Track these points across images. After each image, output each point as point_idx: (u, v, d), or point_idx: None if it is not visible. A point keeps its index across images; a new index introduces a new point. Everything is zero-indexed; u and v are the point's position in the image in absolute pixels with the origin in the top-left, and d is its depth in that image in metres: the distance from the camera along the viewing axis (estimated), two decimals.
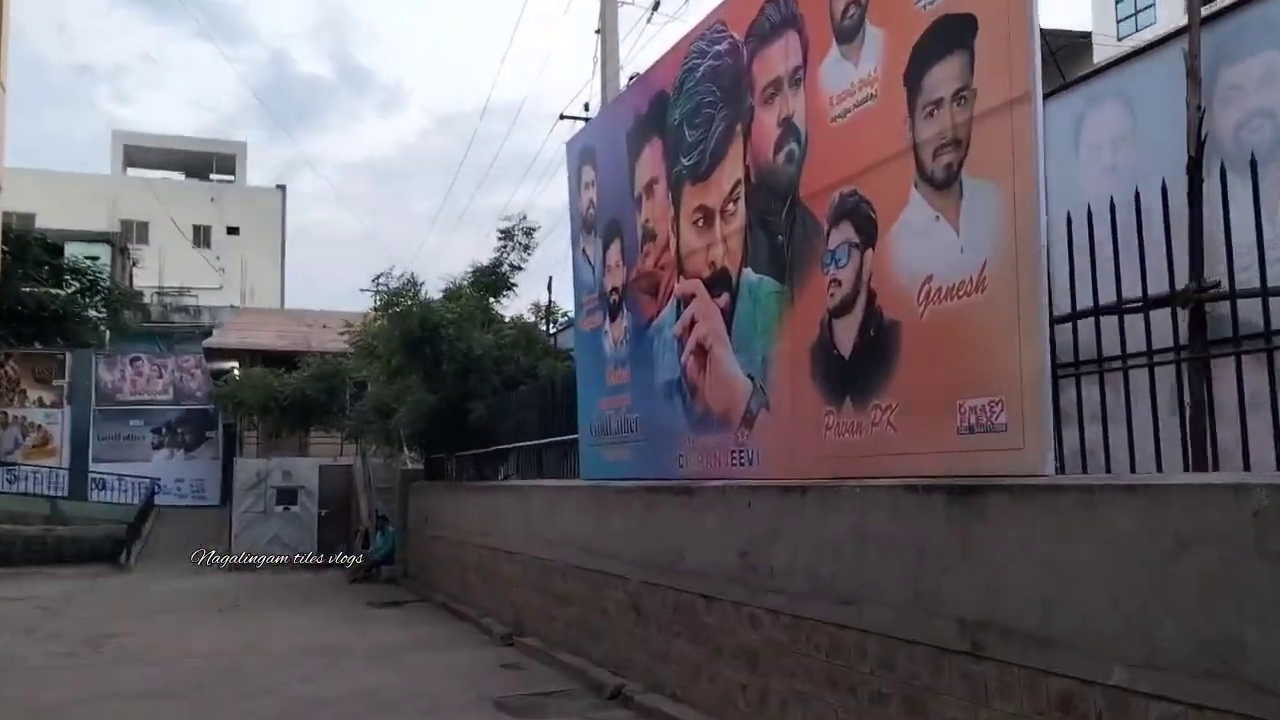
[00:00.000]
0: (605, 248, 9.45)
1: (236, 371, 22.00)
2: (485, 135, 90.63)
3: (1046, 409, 4.53)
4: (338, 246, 74.49)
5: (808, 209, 6.32)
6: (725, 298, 7.29)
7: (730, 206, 7.26)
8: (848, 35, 5.96)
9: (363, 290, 14.62)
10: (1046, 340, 4.56)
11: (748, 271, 7.03)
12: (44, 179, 43.05)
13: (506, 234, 15.86)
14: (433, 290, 15.15)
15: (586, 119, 13.32)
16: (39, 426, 27.24)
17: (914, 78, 5.38)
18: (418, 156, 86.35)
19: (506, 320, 15.96)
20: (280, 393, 16.81)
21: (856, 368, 5.79)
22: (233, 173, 54.93)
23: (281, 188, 54.62)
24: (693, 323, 7.76)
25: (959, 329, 5.02)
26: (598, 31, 13.49)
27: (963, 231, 5.02)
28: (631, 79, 12.20)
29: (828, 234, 6.09)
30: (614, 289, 9.27)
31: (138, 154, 52.76)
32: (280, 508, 21.39)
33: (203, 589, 17.50)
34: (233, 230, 51.11)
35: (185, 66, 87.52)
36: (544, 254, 45.18)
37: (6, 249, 28.79)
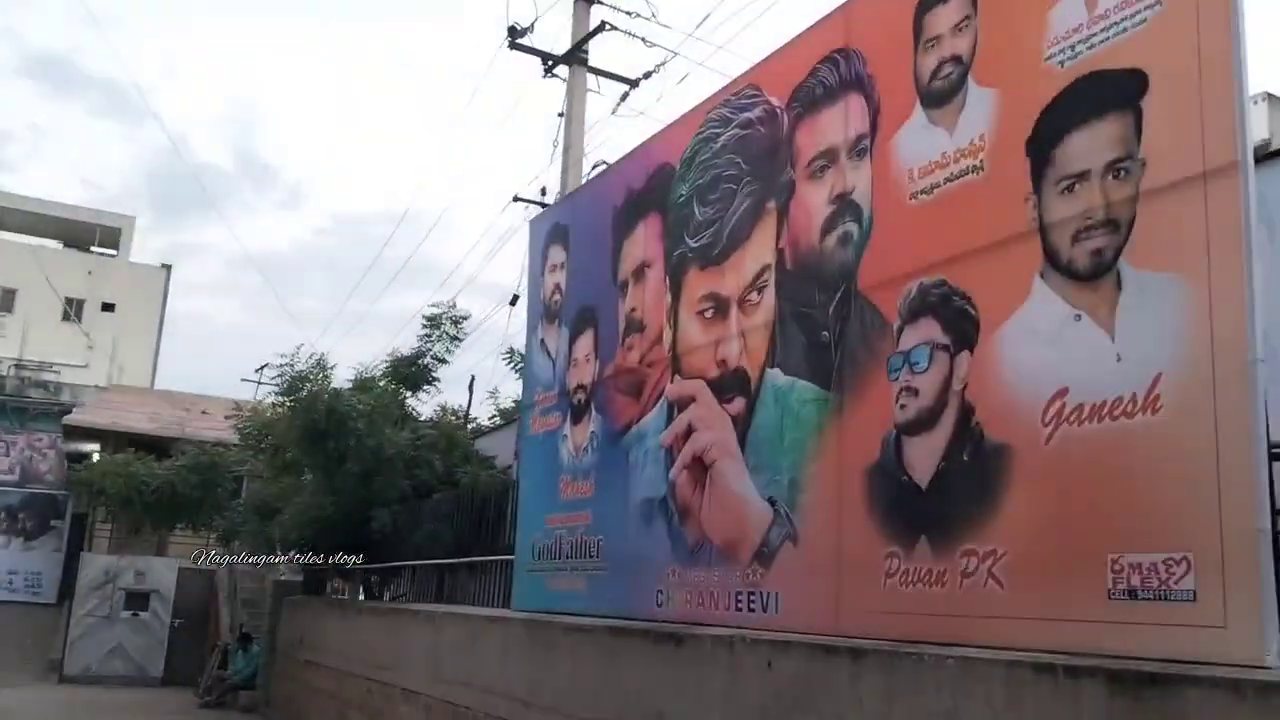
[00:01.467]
0: (573, 339, 8.15)
1: (97, 456, 19.56)
2: (381, 239, 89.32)
3: (1268, 573, 3.36)
4: (217, 339, 71.19)
5: (869, 301, 5.18)
6: (739, 403, 6.05)
7: (753, 296, 6.09)
8: (940, 98, 4.94)
9: (245, 380, 12.97)
10: (1265, 481, 3.42)
11: (774, 373, 5.81)
12: None
13: (433, 321, 14.40)
14: (341, 380, 13.51)
15: (543, 204, 12.23)
16: None
17: (1043, 146, 4.35)
18: (311, 254, 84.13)
19: (423, 419, 14.35)
20: (147, 483, 14.67)
21: (938, 501, 4.57)
22: (116, 247, 51.91)
23: (167, 267, 51.76)
24: (689, 431, 6.47)
25: (1111, 459, 3.86)
26: (560, 114, 12.51)
27: (1120, 335, 3.92)
28: (596, 166, 11.16)
29: (898, 333, 4.94)
30: (580, 386, 7.94)
31: (12, 216, 49.45)
32: (128, 613, 18.73)
33: (22, 706, 14.84)
34: (108, 307, 48.06)
35: (76, 143, 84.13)
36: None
37: None
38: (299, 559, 16.07)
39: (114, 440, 19.88)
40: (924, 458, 4.68)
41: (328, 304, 68.01)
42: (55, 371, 39.71)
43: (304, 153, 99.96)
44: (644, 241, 7.33)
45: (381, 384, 13.86)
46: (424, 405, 15.01)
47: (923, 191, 4.95)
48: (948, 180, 4.82)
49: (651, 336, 7.06)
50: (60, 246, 50.65)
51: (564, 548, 7.80)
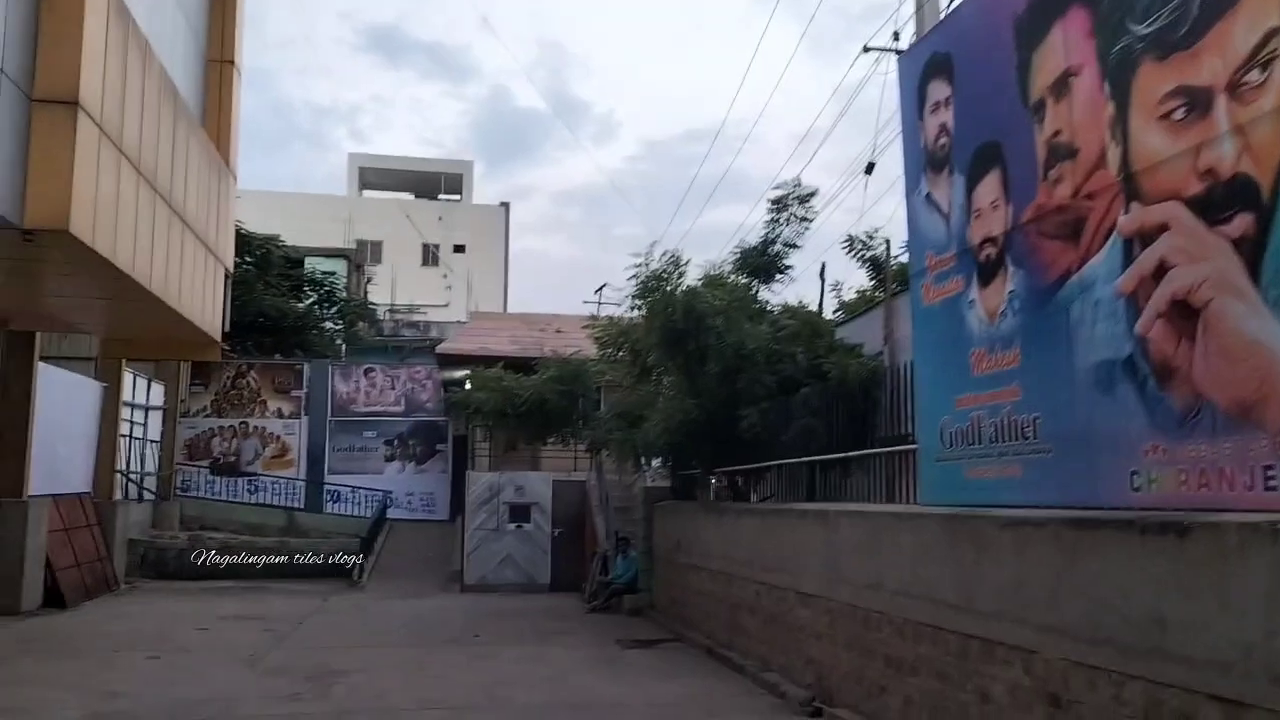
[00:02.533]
0: (972, 185, 6.87)
1: (469, 384, 20.63)
2: (691, 159, 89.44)
3: None
4: (550, 274, 74.74)
5: None
6: (1243, 221, 4.58)
7: (1253, 76, 4.55)
8: None
9: (586, 302, 12.73)
10: None
11: None
12: (286, 201, 44.57)
13: (779, 204, 13.43)
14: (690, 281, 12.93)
15: (898, 50, 10.84)
16: (277, 437, 27.15)
17: None
18: (626, 182, 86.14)
19: (776, 310, 13.51)
20: (518, 396, 15.07)
21: None
22: (460, 192, 55.63)
23: (505, 205, 54.79)
24: (1161, 269, 5.07)
25: None
26: None
27: None
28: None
29: None
30: (987, 240, 6.68)
31: (372, 176, 54.31)
32: (513, 525, 19.80)
33: (435, 613, 15.99)
34: (459, 248, 51.72)
35: (412, 106, 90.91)
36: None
37: (251, 261, 29.20)
38: (667, 464, 16.02)
39: (482, 364, 21.01)
40: None
41: (648, 229, 69.13)
42: (423, 312, 43.42)
43: (611, 86, 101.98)
44: (1064, 46, 5.88)
45: (731, 279, 13.16)
46: (776, 297, 14.20)
47: None
48: None
49: (1088, 161, 5.66)
50: (413, 198, 55.03)
51: (985, 431, 6.66)
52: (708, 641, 12.28)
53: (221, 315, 14.14)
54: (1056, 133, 5.95)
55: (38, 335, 15.58)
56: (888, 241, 14.60)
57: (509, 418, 15.52)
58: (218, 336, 13.89)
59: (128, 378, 21.18)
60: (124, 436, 21.16)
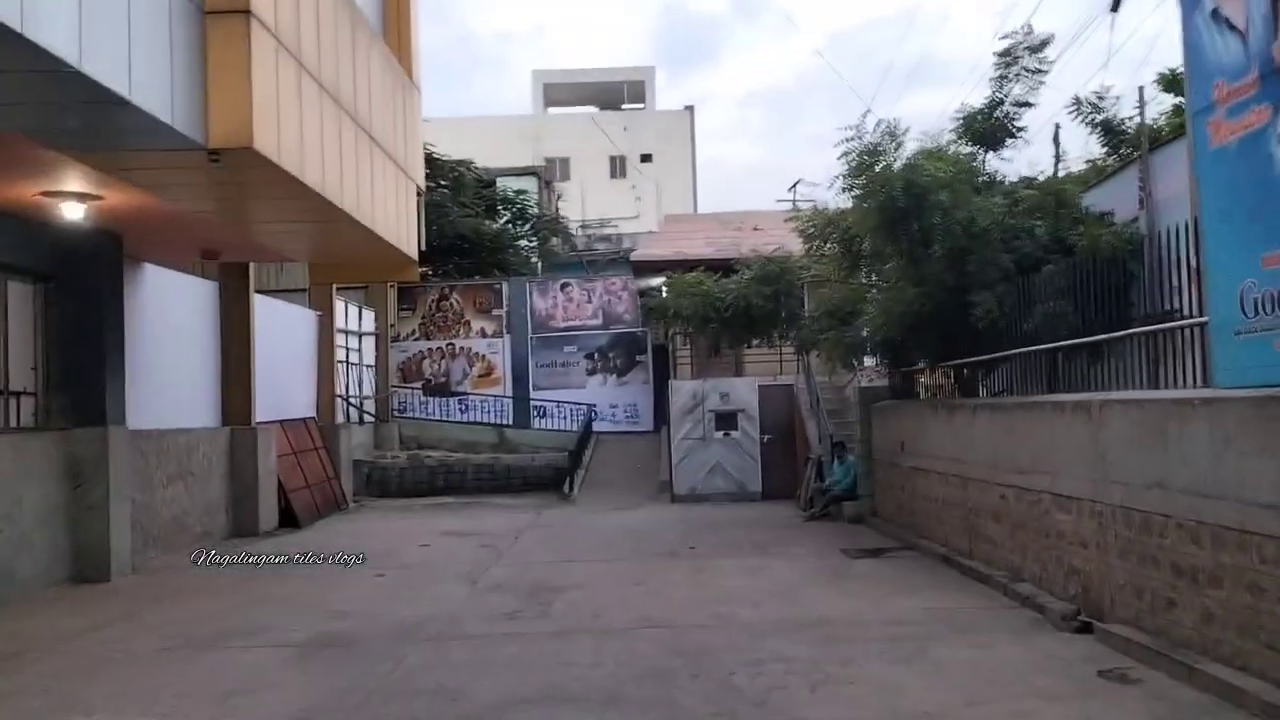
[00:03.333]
0: None
1: (665, 290, 19.99)
2: (878, 48, 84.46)
3: None
4: (736, 179, 72.83)
5: None
6: None
7: None
8: None
9: (780, 201, 11.60)
10: None
11: None
12: (474, 125, 45.04)
13: (1007, 57, 11.75)
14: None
15: None
16: (483, 356, 27.59)
17: None
18: (810, 80, 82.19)
19: (1007, 182, 12.00)
20: (719, 301, 14.26)
21: None
22: (643, 100, 54.71)
23: (690, 108, 53.46)
24: None
25: None
26: None
27: None
28: None
29: None
30: None
31: (556, 92, 54.14)
32: (719, 433, 19.21)
33: (647, 525, 15.68)
34: (646, 157, 51.06)
35: (591, 22, 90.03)
36: None
37: (445, 185, 29.52)
38: (884, 362, 14.92)
39: (679, 270, 20.33)
40: None
41: (836, 126, 65.81)
42: (614, 225, 43.19)
43: None
44: None
45: (952, 149, 11.73)
46: (1009, 165, 12.61)
47: None
48: None
49: None
50: (597, 110, 54.58)
51: None
52: (943, 550, 11.31)
53: (417, 233, 13.98)
54: None
55: (251, 268, 16.01)
56: (1140, 90, 12.59)
57: (710, 323, 14.74)
58: (414, 255, 13.74)
59: (339, 305, 21.80)
60: (340, 363, 21.88)
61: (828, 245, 13.31)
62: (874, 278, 13.00)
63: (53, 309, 11.41)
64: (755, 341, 16.15)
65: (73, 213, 9.78)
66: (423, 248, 14.25)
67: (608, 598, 9.72)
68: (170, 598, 10.31)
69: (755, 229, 19.97)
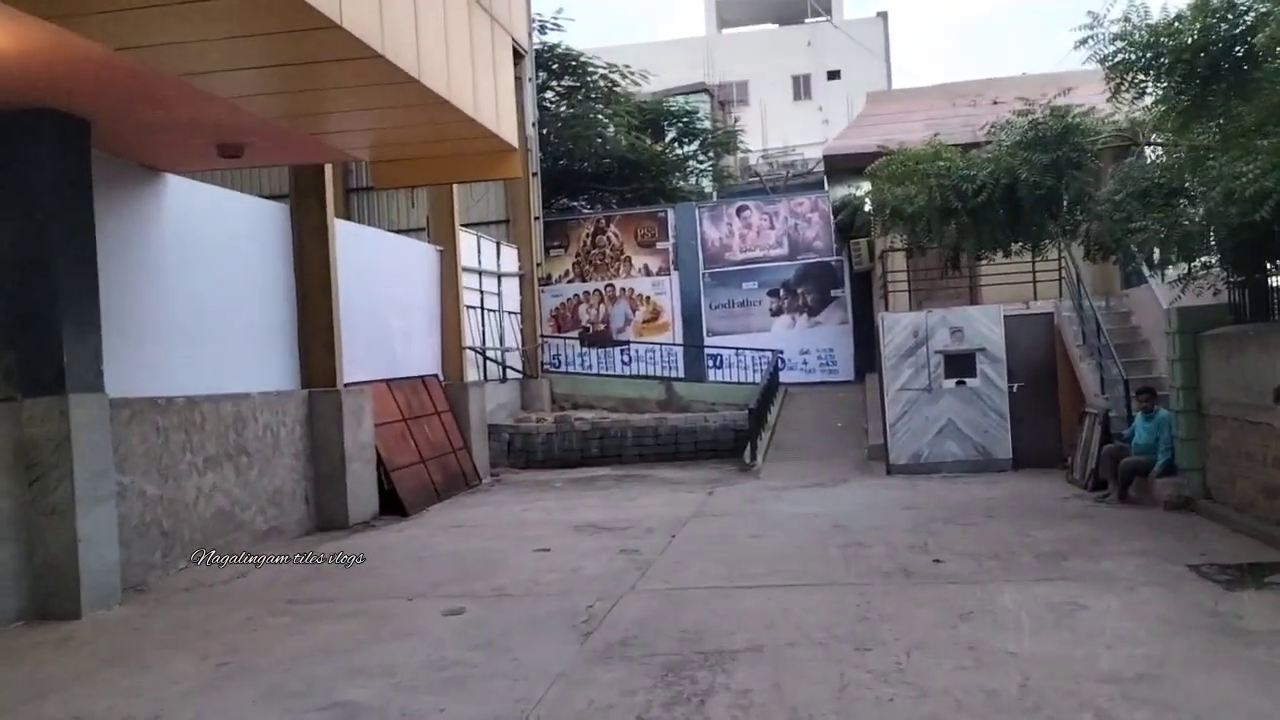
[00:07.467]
0: None
1: (869, 204, 15.12)
2: None
3: None
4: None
5: None
6: None
7: None
8: None
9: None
10: None
11: None
12: (642, 52, 40.67)
13: None
14: None
15: None
16: (648, 299, 23.53)
17: None
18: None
19: None
20: (968, 180, 9.44)
21: None
22: (828, 11, 48.84)
23: (883, 14, 47.12)
24: None
25: None
26: None
27: None
28: None
29: None
30: None
31: (730, 10, 49.09)
32: (951, 382, 14.33)
33: (859, 513, 11.16)
34: (833, 75, 45.50)
35: None
36: None
37: (595, 96, 25.43)
38: (1224, 267, 9.77)
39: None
40: None
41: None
42: (798, 153, 38.15)
43: None
44: None
45: None
46: None
47: None
48: None
49: None
50: (776, 27, 49.27)
51: None
52: None
53: (516, 112, 9.83)
54: None
55: (329, 187, 12.37)
56: None
57: (954, 216, 9.89)
58: (513, 142, 9.57)
59: (469, 240, 18.09)
60: (474, 308, 18.23)
61: (1152, 80, 8.25)
62: (1228, 124, 7.93)
63: None
64: (1018, 246, 11.05)
65: None
66: (530, 132, 10.09)
67: (810, 683, 5.33)
68: (137, 654, 6.67)
69: (994, 102, 14.80)
